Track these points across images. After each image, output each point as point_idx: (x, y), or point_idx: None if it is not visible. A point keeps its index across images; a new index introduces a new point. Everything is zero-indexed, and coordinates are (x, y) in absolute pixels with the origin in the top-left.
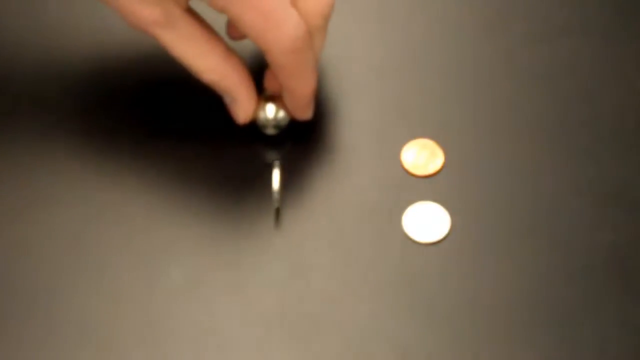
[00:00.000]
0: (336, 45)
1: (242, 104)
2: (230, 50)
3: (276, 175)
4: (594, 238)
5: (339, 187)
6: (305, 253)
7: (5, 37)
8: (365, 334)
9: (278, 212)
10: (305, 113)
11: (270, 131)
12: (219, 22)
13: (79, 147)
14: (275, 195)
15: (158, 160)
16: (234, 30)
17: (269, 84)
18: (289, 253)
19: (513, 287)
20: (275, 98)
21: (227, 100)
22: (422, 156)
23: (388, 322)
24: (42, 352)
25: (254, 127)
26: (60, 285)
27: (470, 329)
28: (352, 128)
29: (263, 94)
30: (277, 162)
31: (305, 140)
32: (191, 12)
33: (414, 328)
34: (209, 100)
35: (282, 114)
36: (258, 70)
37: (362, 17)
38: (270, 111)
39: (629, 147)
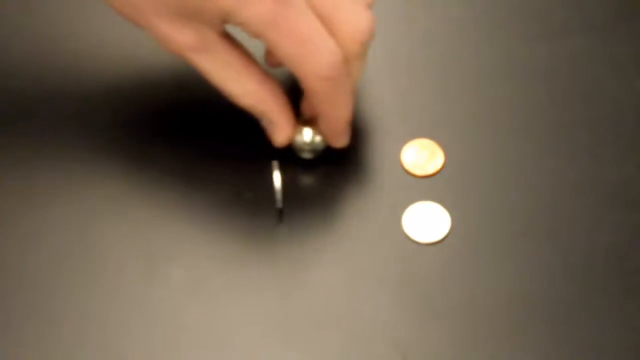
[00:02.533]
0: None
1: (280, 128)
2: (267, 75)
3: (277, 176)
4: (594, 238)
5: (339, 187)
6: (305, 253)
7: (5, 37)
8: (365, 333)
9: (281, 212)
10: (340, 140)
11: (307, 155)
12: (256, 48)
13: (78, 146)
14: (278, 196)
15: (158, 160)
16: (272, 58)
17: (305, 109)
18: (289, 253)
19: (513, 287)
20: (312, 123)
21: (265, 123)
22: (422, 156)
23: (388, 322)
24: (42, 352)
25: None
26: (60, 284)
27: (470, 329)
28: (352, 128)
29: (301, 118)
30: (276, 163)
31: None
32: (227, 37)
33: (414, 328)
34: (210, 101)
35: (318, 138)
36: (296, 94)
37: None
38: (307, 135)
39: (629, 147)
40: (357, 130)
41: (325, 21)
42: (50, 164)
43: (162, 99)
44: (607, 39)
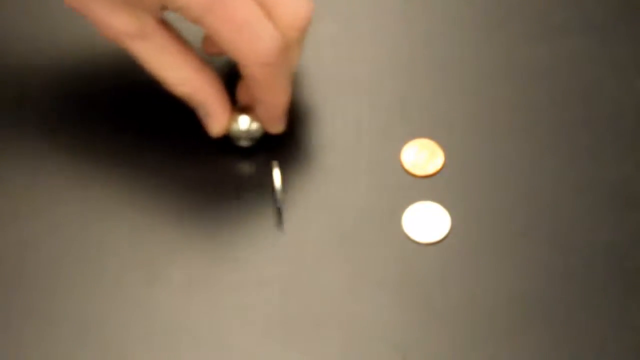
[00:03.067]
0: (336, 46)
1: (216, 117)
2: (203, 63)
3: (277, 176)
4: (594, 238)
5: (339, 186)
6: (305, 253)
7: (4, 38)
8: (365, 333)
9: (280, 212)
10: (277, 126)
11: (244, 143)
12: (193, 34)
13: (79, 147)
14: (277, 196)
15: (158, 160)
16: (210, 46)
17: (242, 96)
18: (289, 253)
19: (513, 287)
20: (249, 110)
21: (201, 113)
22: (422, 156)
23: (388, 322)
24: (42, 352)
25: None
26: (60, 285)
27: (470, 328)
28: (352, 128)
29: (236, 106)
30: (276, 163)
31: (305, 140)
32: (164, 24)
33: (414, 328)
34: None
35: (255, 125)
36: (231, 82)
37: (362, 17)
38: (243, 123)
39: (629, 147)
40: (357, 130)
41: (264, 7)
42: (50, 165)
43: (161, 100)
44: (607, 39)
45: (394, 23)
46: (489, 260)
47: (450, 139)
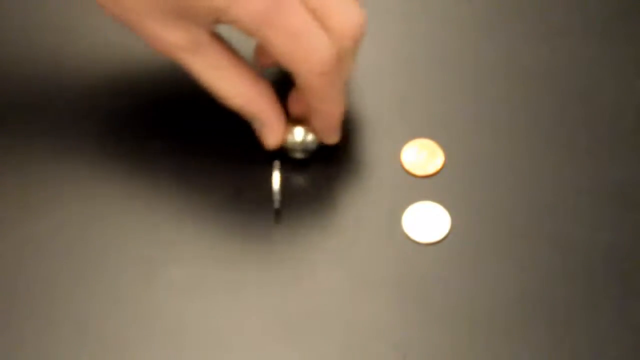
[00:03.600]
0: None
1: (271, 129)
2: (257, 75)
3: (276, 176)
4: (594, 238)
5: (338, 186)
6: (305, 253)
7: (5, 37)
8: (365, 333)
9: (278, 213)
10: (333, 136)
11: (299, 155)
12: (246, 48)
13: (79, 146)
14: (276, 196)
15: (158, 160)
16: (263, 58)
17: (293, 107)
18: (289, 253)
19: (513, 287)
20: (304, 122)
21: (256, 125)
22: (422, 156)
23: (388, 322)
24: (42, 352)
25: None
26: (60, 284)
27: (470, 328)
28: (352, 128)
29: (290, 119)
30: (277, 162)
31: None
32: (218, 37)
33: (414, 328)
34: (210, 101)
35: (310, 137)
36: (285, 94)
37: None
38: (298, 135)
39: (629, 147)
40: (357, 130)
41: (317, 17)
42: (49, 166)
43: (161, 99)
44: (607, 39)
45: (394, 23)
46: (489, 260)
47: (450, 139)
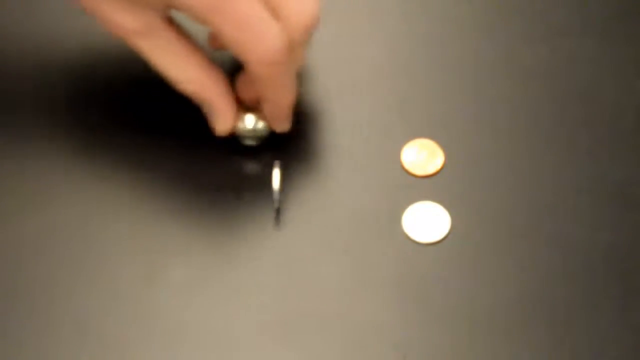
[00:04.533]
0: (336, 45)
1: (222, 116)
2: (209, 61)
3: (276, 175)
4: (594, 238)
5: (338, 186)
6: (305, 253)
7: (4, 37)
8: (365, 334)
9: (278, 212)
10: (283, 125)
11: (250, 142)
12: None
13: (78, 146)
14: (276, 196)
15: (158, 160)
16: (215, 41)
17: (242, 93)
18: (289, 253)
19: (513, 287)
20: (255, 109)
21: (207, 111)
22: (422, 156)
23: (388, 322)
24: (42, 352)
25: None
26: (59, 284)
27: (470, 328)
28: (352, 128)
29: (241, 106)
30: (277, 162)
31: (304, 141)
32: (171, 22)
33: (414, 328)
34: None
35: (261, 124)
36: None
37: (362, 17)
38: (249, 122)
39: (629, 147)
40: (357, 130)
41: (270, 7)
42: (49, 164)
43: (161, 99)
44: (607, 39)
45: (394, 23)
46: (489, 260)
47: (450, 139)
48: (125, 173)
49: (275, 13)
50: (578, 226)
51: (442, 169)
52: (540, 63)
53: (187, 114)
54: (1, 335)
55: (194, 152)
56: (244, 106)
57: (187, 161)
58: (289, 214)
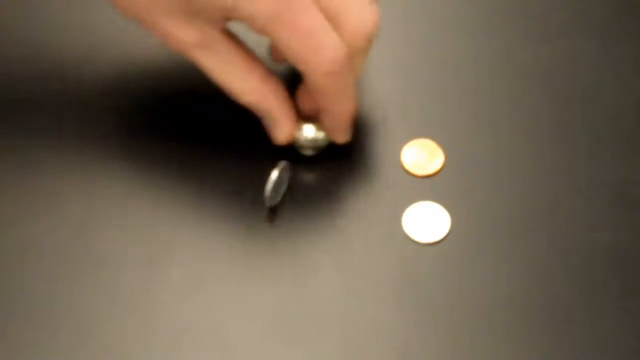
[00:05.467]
0: None
1: (281, 126)
2: (268, 72)
3: (273, 175)
4: (594, 238)
5: (339, 186)
6: (305, 253)
7: (5, 37)
8: (365, 334)
9: (272, 211)
10: (343, 135)
11: (309, 152)
12: (257, 44)
13: (79, 146)
14: (267, 194)
15: (158, 160)
16: (277, 53)
17: (302, 104)
18: (289, 253)
19: (513, 286)
20: (314, 118)
21: (267, 122)
22: (422, 156)
23: (388, 322)
24: (42, 352)
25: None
26: (59, 284)
27: (470, 329)
28: (352, 128)
29: (300, 115)
30: (282, 163)
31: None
32: (229, 34)
33: (414, 328)
34: (210, 100)
35: (320, 135)
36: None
37: None
38: (308, 132)
39: (629, 147)
40: (357, 130)
41: (329, 16)
42: (49, 164)
43: (161, 100)
44: (607, 39)
45: (394, 23)
46: (489, 260)
47: (450, 139)
48: (125, 173)
49: (334, 22)
50: (578, 226)
51: (442, 169)
52: (540, 63)
53: (187, 114)
54: (1, 336)
55: (194, 152)
56: (303, 116)
57: (187, 161)
58: (289, 213)
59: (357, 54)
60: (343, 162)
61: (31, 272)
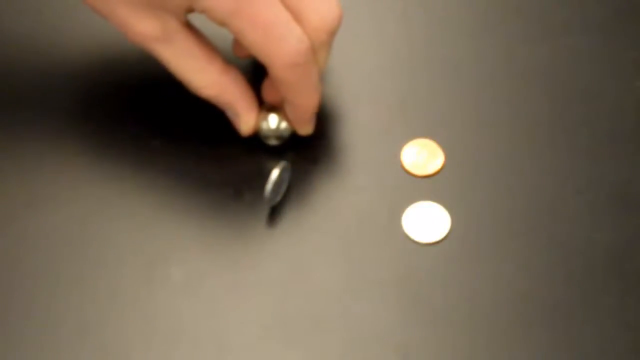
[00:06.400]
0: (336, 46)
1: (244, 118)
2: (228, 65)
3: (273, 175)
4: (594, 238)
5: (339, 186)
6: (305, 253)
7: (5, 37)
8: (365, 334)
9: (272, 211)
10: (306, 127)
11: (273, 142)
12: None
13: (79, 146)
14: (267, 194)
15: (158, 160)
16: (240, 49)
17: (267, 96)
18: (289, 253)
19: (512, 286)
20: (278, 109)
21: (229, 114)
22: (422, 156)
23: (388, 322)
24: (42, 352)
25: (257, 137)
26: (59, 284)
27: (470, 328)
28: (352, 128)
29: (265, 105)
30: (283, 163)
31: (305, 140)
32: (189, 27)
33: (414, 328)
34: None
35: (284, 124)
36: (258, 81)
37: (362, 17)
38: (272, 122)
39: (629, 147)
40: (357, 130)
41: (292, 9)
42: (47, 165)
43: (161, 99)
44: (607, 39)
45: (394, 23)
46: (489, 260)
47: (450, 139)
48: (125, 173)
49: (296, 15)
50: (577, 226)
51: (442, 169)
52: (541, 63)
53: (188, 114)
54: (1, 336)
55: (194, 152)
56: (266, 106)
57: (186, 161)
58: (289, 213)
59: (321, 48)
60: (343, 162)
61: (30, 271)
